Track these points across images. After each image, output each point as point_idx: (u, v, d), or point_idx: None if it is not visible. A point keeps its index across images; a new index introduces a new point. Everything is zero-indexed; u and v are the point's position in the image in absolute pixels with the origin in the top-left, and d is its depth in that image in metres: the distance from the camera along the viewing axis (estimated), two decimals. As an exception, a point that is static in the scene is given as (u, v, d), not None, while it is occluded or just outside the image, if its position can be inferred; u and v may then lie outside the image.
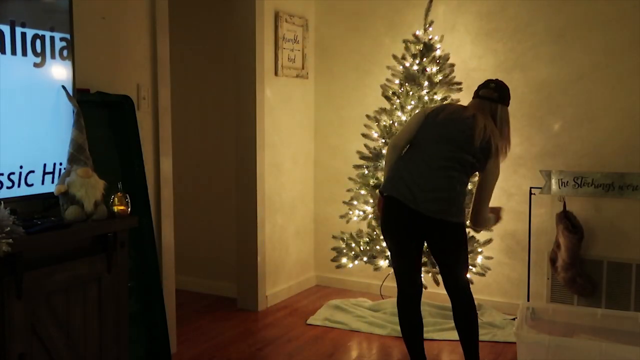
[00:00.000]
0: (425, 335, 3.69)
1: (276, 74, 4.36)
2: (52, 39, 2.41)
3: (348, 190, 4.22)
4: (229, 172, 4.46)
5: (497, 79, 3.04)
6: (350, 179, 4.21)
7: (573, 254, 3.79)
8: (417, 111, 3.56)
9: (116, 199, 2.48)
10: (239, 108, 4.23)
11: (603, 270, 3.83)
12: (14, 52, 2.26)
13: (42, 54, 2.37)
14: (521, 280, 4.13)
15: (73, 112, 2.40)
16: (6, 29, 2.23)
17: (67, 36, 2.47)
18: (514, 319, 3.83)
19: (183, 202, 4.47)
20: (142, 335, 3.08)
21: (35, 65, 2.35)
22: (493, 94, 2.93)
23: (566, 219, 3.82)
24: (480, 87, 3.00)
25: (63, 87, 2.43)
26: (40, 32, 2.36)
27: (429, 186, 2.82)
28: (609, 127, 3.85)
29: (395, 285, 2.98)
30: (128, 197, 2.52)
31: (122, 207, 2.48)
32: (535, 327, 3.53)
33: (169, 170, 3.46)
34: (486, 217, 3.05)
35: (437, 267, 3.45)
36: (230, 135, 4.38)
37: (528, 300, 4.03)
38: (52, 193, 2.34)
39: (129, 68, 3.19)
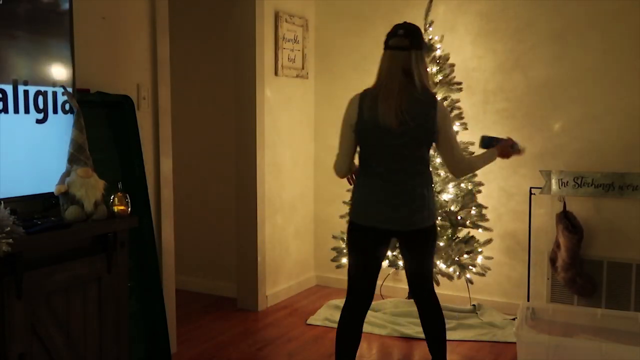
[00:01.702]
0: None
1: (276, 74, 4.36)
2: (54, 94, 2.42)
3: (348, 190, 4.21)
4: (229, 172, 4.46)
5: (405, 22, 2.70)
6: (350, 179, 4.22)
7: (573, 254, 3.79)
8: None
9: (116, 199, 2.48)
10: (239, 108, 4.23)
11: (603, 270, 3.83)
12: (16, 111, 2.26)
13: (45, 109, 2.38)
14: (521, 280, 4.13)
15: (73, 112, 2.40)
16: (8, 89, 2.23)
17: (70, 89, 2.47)
18: (514, 319, 3.83)
19: (183, 202, 4.47)
20: (142, 336, 3.08)
21: (38, 121, 2.36)
22: (404, 42, 2.60)
23: (566, 219, 3.82)
24: (389, 36, 2.67)
25: (63, 87, 2.43)
26: (43, 89, 2.37)
27: None
28: (609, 127, 3.85)
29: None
30: (128, 197, 2.52)
31: (122, 207, 2.48)
32: (535, 327, 3.53)
33: (169, 170, 3.46)
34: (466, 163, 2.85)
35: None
36: (230, 135, 4.38)
37: (528, 300, 4.02)
38: (52, 193, 2.34)
39: (129, 68, 3.19)
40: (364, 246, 2.74)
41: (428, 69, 2.68)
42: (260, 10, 4.14)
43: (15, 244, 1.96)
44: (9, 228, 1.96)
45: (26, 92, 2.30)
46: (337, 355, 2.78)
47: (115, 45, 3.10)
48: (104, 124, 3.01)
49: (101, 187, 2.38)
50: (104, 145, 2.98)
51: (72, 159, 2.35)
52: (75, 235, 2.30)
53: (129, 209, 2.51)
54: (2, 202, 2.09)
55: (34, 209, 2.41)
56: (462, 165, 2.76)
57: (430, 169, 2.81)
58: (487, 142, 2.95)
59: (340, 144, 2.79)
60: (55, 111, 2.42)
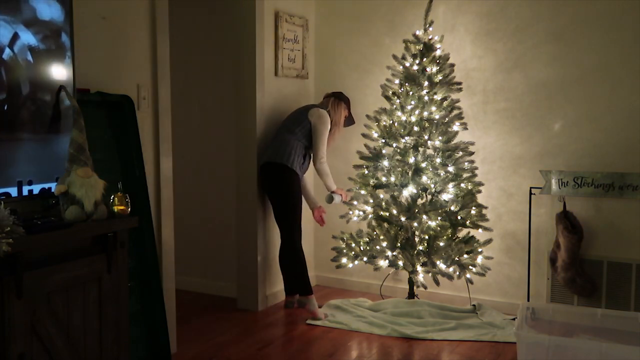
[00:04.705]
0: (425, 336, 3.71)
1: (276, 74, 4.36)
2: None
3: (348, 190, 4.22)
4: (229, 172, 4.46)
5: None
6: (350, 179, 4.22)
7: (573, 254, 3.79)
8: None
9: (116, 199, 2.48)
10: (239, 108, 4.23)
11: (603, 270, 3.83)
12: None
13: None
14: (521, 280, 4.13)
15: (73, 112, 2.40)
16: (13, 191, 2.24)
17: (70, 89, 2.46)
18: (514, 319, 3.83)
19: (183, 202, 4.47)
20: (142, 335, 3.08)
21: None
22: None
23: (566, 219, 3.82)
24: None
25: (63, 87, 2.43)
26: (47, 185, 2.38)
27: None
28: (609, 127, 3.85)
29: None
30: (128, 197, 2.52)
31: (122, 207, 2.48)
32: (535, 327, 3.53)
33: (169, 170, 3.46)
34: None
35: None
36: (230, 135, 4.38)
37: (528, 300, 4.03)
38: (52, 193, 2.34)
39: (129, 68, 3.19)
40: None
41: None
42: (260, 10, 4.14)
43: (15, 244, 1.96)
44: (9, 228, 1.96)
45: (30, 192, 2.31)
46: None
47: (115, 45, 3.10)
48: (104, 124, 3.01)
49: (101, 187, 2.37)
50: (104, 145, 2.98)
51: (72, 159, 2.35)
52: (75, 235, 2.29)
53: (129, 209, 2.51)
54: (2, 202, 2.09)
55: (34, 209, 2.42)
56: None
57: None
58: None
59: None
60: None
